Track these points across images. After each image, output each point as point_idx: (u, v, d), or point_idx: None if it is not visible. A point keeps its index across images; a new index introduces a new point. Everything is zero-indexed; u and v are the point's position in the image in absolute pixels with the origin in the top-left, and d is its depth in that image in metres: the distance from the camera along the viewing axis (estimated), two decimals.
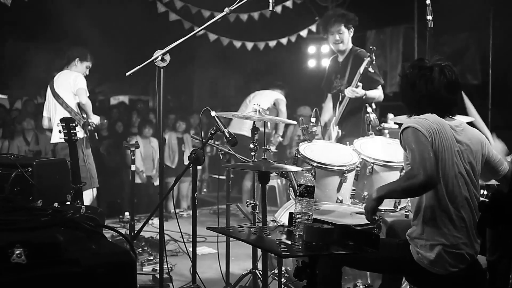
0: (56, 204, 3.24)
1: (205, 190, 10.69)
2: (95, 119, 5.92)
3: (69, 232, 1.99)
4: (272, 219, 4.19)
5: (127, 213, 7.14)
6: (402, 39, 9.87)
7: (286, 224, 2.75)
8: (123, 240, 5.00)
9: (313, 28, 9.70)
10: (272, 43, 9.57)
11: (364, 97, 4.76)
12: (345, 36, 5.09)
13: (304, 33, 9.72)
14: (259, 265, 3.93)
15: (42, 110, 6.17)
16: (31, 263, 1.67)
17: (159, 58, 3.57)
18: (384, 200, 2.80)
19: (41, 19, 9.45)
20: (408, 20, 9.53)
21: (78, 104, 5.83)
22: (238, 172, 7.74)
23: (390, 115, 4.65)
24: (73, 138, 4.28)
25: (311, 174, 3.75)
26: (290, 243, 2.38)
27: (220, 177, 5.09)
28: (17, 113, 9.82)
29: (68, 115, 5.56)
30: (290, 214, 2.65)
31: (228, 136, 3.49)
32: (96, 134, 5.97)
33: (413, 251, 2.80)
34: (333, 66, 5.40)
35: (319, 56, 10.62)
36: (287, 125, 9.03)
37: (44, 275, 1.69)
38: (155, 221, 6.39)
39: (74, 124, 4.28)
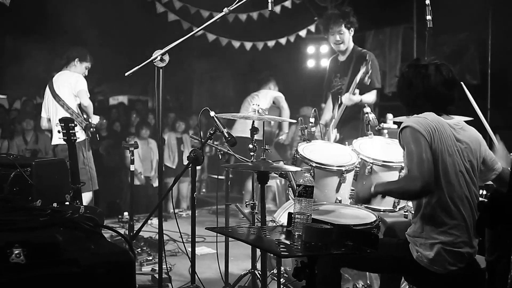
0: (55, 204, 3.24)
1: (204, 190, 10.69)
2: (95, 120, 5.92)
3: (68, 232, 1.99)
4: (271, 219, 4.19)
5: (126, 213, 7.14)
6: (401, 39, 9.87)
7: (285, 224, 2.75)
8: (122, 240, 4.99)
9: (312, 28, 9.70)
10: (271, 43, 9.58)
11: (360, 101, 4.81)
12: (346, 36, 5.12)
13: (303, 33, 9.72)
14: (258, 265, 3.93)
15: (41, 110, 6.16)
16: (30, 263, 1.67)
17: (158, 58, 3.57)
18: (377, 194, 2.84)
19: (40, 19, 9.44)
20: (407, 20, 9.53)
21: (79, 106, 5.82)
22: (241, 172, 7.74)
23: (389, 115, 4.65)
24: (72, 138, 4.27)
25: (310, 174, 3.75)
26: (289, 243, 2.38)
27: (219, 177, 5.09)
28: (16, 113, 9.81)
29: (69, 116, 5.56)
30: (289, 214, 2.65)
31: (227, 136, 3.49)
32: (97, 135, 5.98)
33: (412, 250, 2.80)
34: (333, 66, 5.42)
35: (318, 56, 10.63)
36: (290, 124, 9.03)
37: (43, 275, 1.69)
38: (154, 221, 6.39)
39: (73, 124, 4.28)
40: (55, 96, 5.81)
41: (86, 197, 5.60)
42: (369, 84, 4.89)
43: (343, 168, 3.86)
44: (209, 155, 10.13)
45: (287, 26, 9.74)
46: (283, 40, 9.60)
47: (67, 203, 3.62)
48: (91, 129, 5.78)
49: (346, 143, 4.35)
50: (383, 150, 4.05)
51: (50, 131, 6.09)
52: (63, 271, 1.73)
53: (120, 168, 8.63)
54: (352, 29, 5.15)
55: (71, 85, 5.80)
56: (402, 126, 2.81)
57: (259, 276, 3.97)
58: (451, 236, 2.71)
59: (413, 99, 2.96)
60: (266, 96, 7.76)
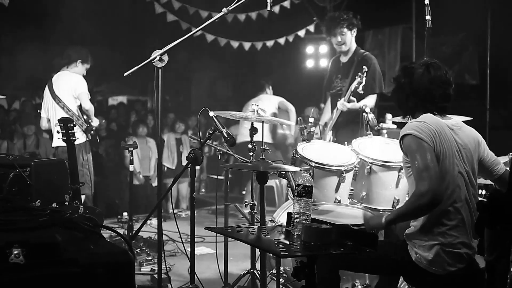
0: (54, 204, 3.24)
1: (203, 190, 10.70)
2: (95, 122, 5.91)
3: (67, 232, 1.99)
4: (270, 219, 4.19)
5: (125, 214, 7.14)
6: (400, 39, 9.88)
7: (285, 224, 2.75)
8: (122, 240, 4.98)
9: (311, 28, 9.71)
10: (270, 43, 9.58)
11: (363, 106, 4.79)
12: (348, 37, 5.15)
13: (301, 33, 9.73)
14: (258, 265, 3.93)
15: (40, 110, 6.14)
16: (29, 263, 1.67)
17: (157, 58, 3.57)
18: (390, 223, 2.80)
19: (39, 19, 9.44)
20: (406, 20, 9.54)
21: (79, 108, 5.81)
22: (240, 173, 7.73)
23: (388, 115, 4.66)
24: (71, 138, 4.27)
25: (309, 174, 3.76)
26: (288, 243, 2.38)
27: (219, 177, 5.10)
28: (15, 113, 9.81)
29: None
30: (289, 214, 2.65)
31: (226, 136, 3.49)
32: (98, 137, 5.97)
33: (411, 251, 2.80)
34: (335, 66, 5.44)
35: (317, 56, 10.63)
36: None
37: (43, 275, 1.69)
38: (154, 221, 6.39)
39: (72, 125, 4.27)
40: (54, 97, 5.79)
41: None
42: (367, 90, 4.88)
43: (342, 168, 3.86)
44: (208, 155, 10.13)
45: (286, 26, 9.74)
46: (282, 40, 9.61)
47: (66, 203, 3.61)
48: (92, 132, 5.77)
49: (346, 143, 4.35)
50: (382, 150, 4.05)
51: (50, 132, 6.08)
52: (62, 271, 1.72)
53: (119, 168, 8.62)
54: (354, 30, 5.16)
55: (71, 87, 5.77)
56: (402, 133, 2.80)
57: (258, 276, 3.97)
58: (450, 237, 2.71)
59: (404, 101, 2.99)
60: (270, 101, 7.72)
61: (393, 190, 3.85)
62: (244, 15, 8.79)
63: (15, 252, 1.65)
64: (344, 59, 5.28)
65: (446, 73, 2.93)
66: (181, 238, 4.01)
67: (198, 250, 5.67)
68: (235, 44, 9.29)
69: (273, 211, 4.56)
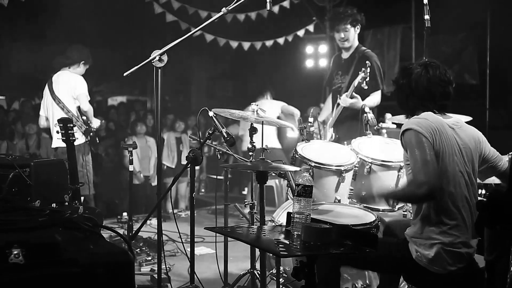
0: (54, 205, 3.24)
1: (203, 190, 10.69)
2: (95, 123, 5.90)
3: (67, 232, 1.99)
4: (270, 219, 4.19)
5: (125, 214, 7.14)
6: (399, 39, 9.88)
7: (284, 224, 2.75)
8: (121, 240, 4.99)
9: (311, 28, 9.71)
10: (269, 43, 9.58)
11: (363, 106, 4.76)
12: (351, 34, 5.12)
13: (301, 33, 9.72)
14: (257, 265, 3.93)
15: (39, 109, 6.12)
16: (29, 263, 1.67)
17: (157, 58, 3.57)
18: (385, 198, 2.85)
19: (38, 19, 9.44)
20: (405, 20, 9.54)
21: (79, 109, 5.79)
22: (242, 173, 7.71)
23: (388, 115, 4.65)
24: (70, 138, 4.27)
25: (309, 174, 3.76)
26: (288, 242, 2.38)
27: (218, 177, 5.10)
28: (14, 114, 9.80)
29: None
30: (288, 214, 2.65)
31: (226, 136, 3.49)
32: (97, 138, 5.95)
33: (412, 249, 2.80)
34: (336, 63, 5.43)
35: (317, 56, 10.62)
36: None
37: (42, 275, 1.69)
38: (153, 221, 6.39)
39: (71, 125, 4.27)
40: (54, 97, 5.77)
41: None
42: (370, 87, 4.86)
43: (342, 168, 3.86)
44: (207, 155, 10.13)
45: (285, 26, 9.74)
46: (281, 40, 9.60)
47: (66, 203, 3.61)
48: (91, 133, 5.75)
49: (345, 142, 4.34)
50: (382, 150, 4.05)
51: (49, 130, 6.06)
52: (62, 271, 1.72)
53: (119, 168, 8.62)
54: (358, 26, 5.14)
55: (71, 87, 5.75)
56: (403, 128, 2.82)
57: (258, 276, 3.97)
58: (451, 236, 2.71)
59: (405, 101, 3.01)
60: (272, 106, 7.69)
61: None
62: (243, 15, 8.79)
63: (15, 252, 1.65)
64: (345, 55, 5.27)
65: (445, 72, 2.95)
66: (180, 238, 4.01)
67: (198, 250, 5.66)
68: (234, 44, 9.29)
69: (273, 211, 4.56)
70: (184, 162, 3.27)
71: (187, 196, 8.89)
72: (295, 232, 2.51)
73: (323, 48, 10.40)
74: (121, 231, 6.02)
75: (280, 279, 3.79)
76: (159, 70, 3.60)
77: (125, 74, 3.69)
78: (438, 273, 2.71)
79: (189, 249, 3.53)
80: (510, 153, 3.45)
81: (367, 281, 3.77)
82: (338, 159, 3.96)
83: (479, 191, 3.77)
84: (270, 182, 8.11)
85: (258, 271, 3.91)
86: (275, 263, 3.84)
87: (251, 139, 3.65)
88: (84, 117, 5.81)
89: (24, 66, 10.67)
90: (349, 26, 5.09)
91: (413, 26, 9.27)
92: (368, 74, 4.57)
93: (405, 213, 3.87)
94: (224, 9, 3.60)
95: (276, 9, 8.52)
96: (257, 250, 4.02)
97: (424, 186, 2.63)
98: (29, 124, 8.18)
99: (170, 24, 8.48)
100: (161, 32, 8.97)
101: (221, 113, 3.72)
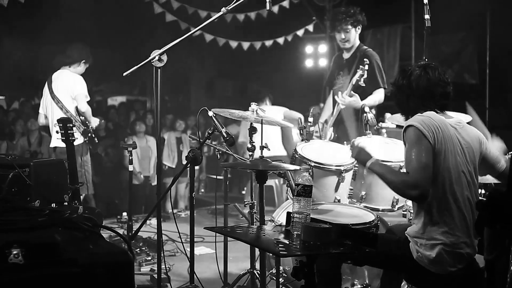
0: (53, 205, 3.24)
1: (202, 190, 10.69)
2: (94, 123, 5.89)
3: (67, 232, 1.99)
4: (270, 218, 4.19)
5: (124, 214, 7.13)
6: (399, 39, 9.88)
7: (284, 223, 2.75)
8: (121, 240, 4.98)
9: (310, 28, 9.71)
10: (269, 43, 9.58)
11: (362, 106, 4.74)
12: (352, 34, 5.10)
13: (300, 32, 9.72)
14: (257, 265, 3.93)
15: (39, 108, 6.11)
16: (29, 263, 1.66)
17: (156, 58, 3.57)
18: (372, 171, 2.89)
19: (38, 19, 9.43)
20: (405, 19, 9.54)
21: (77, 108, 5.78)
22: (242, 173, 7.69)
23: (388, 115, 4.65)
24: (70, 138, 4.26)
25: (309, 173, 3.75)
26: (287, 242, 2.38)
27: (218, 177, 5.09)
28: (14, 114, 9.80)
29: None
30: (288, 213, 2.65)
31: (225, 136, 3.49)
32: (96, 138, 5.94)
33: (412, 249, 2.80)
34: (337, 63, 5.42)
35: (316, 55, 10.62)
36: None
37: (42, 275, 1.68)
38: (153, 221, 6.39)
39: (71, 125, 4.26)
40: (53, 97, 5.76)
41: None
42: (371, 85, 4.85)
43: (342, 168, 3.86)
44: (207, 155, 10.13)
45: (285, 25, 9.74)
46: (281, 40, 9.60)
47: (65, 203, 3.61)
48: (89, 134, 5.74)
49: (345, 142, 4.34)
50: (381, 150, 4.04)
51: (47, 127, 6.05)
52: (62, 271, 1.72)
53: (119, 168, 8.62)
54: (359, 27, 5.13)
55: (70, 87, 5.73)
56: (406, 124, 2.83)
57: (258, 276, 3.97)
58: (453, 236, 2.71)
59: (405, 102, 3.02)
60: (272, 112, 7.62)
61: None
62: (243, 15, 8.79)
63: (14, 252, 1.65)
64: (346, 55, 5.25)
65: (444, 73, 2.97)
66: (180, 238, 4.01)
67: (198, 250, 5.66)
68: (234, 44, 9.29)
69: (273, 210, 4.56)
70: (184, 161, 3.28)
71: (186, 196, 8.88)
72: (295, 232, 2.51)
73: (323, 48, 10.40)
74: (120, 231, 6.02)
75: (280, 279, 3.79)
76: (159, 70, 3.60)
77: (124, 74, 3.68)
78: (439, 273, 2.71)
79: (188, 249, 3.53)
80: (510, 153, 3.45)
81: (366, 281, 3.77)
82: (338, 159, 3.96)
83: (479, 191, 3.77)
84: (270, 182, 8.10)
85: (258, 271, 3.91)
86: (275, 263, 3.85)
87: (251, 139, 3.65)
88: (82, 117, 5.79)
89: (24, 66, 10.67)
90: (350, 27, 5.07)
91: (413, 26, 9.27)
92: (366, 71, 4.56)
93: (405, 212, 3.87)
94: (223, 9, 3.60)
95: (275, 9, 8.52)
96: (256, 250, 4.02)
97: (417, 189, 2.64)
98: (31, 119, 8.15)
99: (169, 24, 8.48)
100: (161, 32, 8.97)
101: (221, 113, 3.72)
